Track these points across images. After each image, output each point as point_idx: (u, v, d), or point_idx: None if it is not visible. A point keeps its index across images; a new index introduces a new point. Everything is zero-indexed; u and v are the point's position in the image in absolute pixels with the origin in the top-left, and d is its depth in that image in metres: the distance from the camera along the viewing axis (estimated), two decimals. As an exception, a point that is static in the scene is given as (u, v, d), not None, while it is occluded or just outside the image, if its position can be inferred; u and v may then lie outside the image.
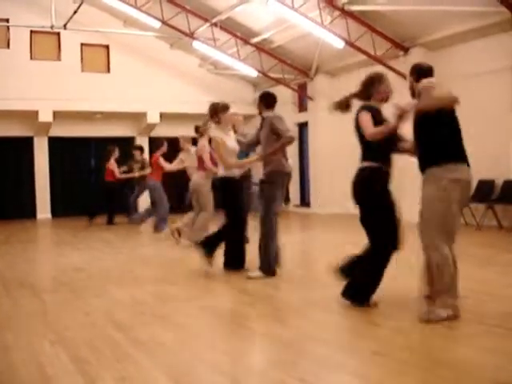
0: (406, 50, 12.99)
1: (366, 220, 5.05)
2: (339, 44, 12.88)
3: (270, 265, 6.73)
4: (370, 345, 4.09)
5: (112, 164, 14.34)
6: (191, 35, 15.17)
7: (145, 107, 17.23)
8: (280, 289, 6.24)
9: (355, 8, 11.95)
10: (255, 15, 14.06)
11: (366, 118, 4.94)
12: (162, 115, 17.50)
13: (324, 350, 4.04)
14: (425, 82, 4.80)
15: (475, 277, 6.31)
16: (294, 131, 6.57)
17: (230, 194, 7.11)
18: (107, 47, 17.45)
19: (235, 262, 7.21)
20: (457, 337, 4.22)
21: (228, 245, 7.23)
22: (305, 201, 17.32)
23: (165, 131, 17.62)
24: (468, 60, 11.91)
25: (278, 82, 16.55)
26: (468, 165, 4.68)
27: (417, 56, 12.72)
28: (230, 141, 7.16)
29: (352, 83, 16.70)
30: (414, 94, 4.91)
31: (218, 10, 14.15)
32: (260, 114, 7.05)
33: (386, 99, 5.19)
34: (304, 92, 16.80)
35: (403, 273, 6.86)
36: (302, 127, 17.34)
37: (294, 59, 15.83)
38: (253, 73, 16.34)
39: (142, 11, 14.60)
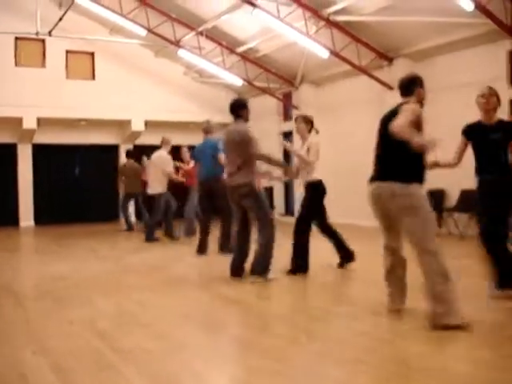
0: (390, 60, 13.09)
1: None
2: (324, 54, 12.95)
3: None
4: (355, 354, 4.10)
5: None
6: (177, 43, 15.17)
7: (129, 115, 17.19)
8: (265, 296, 6.25)
9: (340, 18, 12.02)
10: (241, 24, 14.11)
11: None
12: (146, 123, 17.47)
13: (308, 358, 4.05)
14: None
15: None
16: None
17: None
18: (92, 54, 17.40)
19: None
20: (438, 345, 4.25)
21: None
22: (289, 210, 17.34)
23: (149, 139, 17.58)
24: (452, 71, 12.03)
25: (263, 91, 16.60)
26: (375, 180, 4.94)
27: (401, 66, 12.85)
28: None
29: (337, 93, 16.95)
30: None
31: (204, 18, 14.17)
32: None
33: None
34: (289, 101, 16.85)
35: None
36: (287, 136, 17.38)
37: (279, 68, 15.88)
38: (238, 82, 16.37)
39: (127, 19, 14.59)
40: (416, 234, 4.71)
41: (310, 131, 7.69)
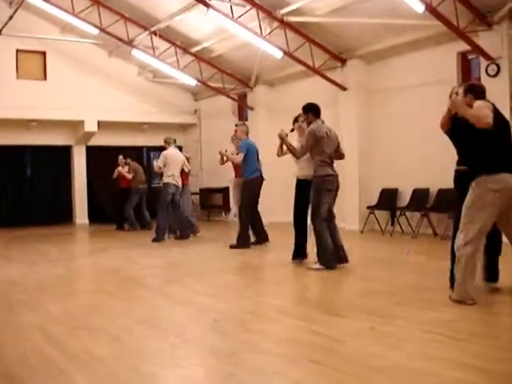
0: (343, 61, 13.20)
1: None
2: (278, 54, 12.97)
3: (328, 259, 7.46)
4: (309, 354, 4.11)
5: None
6: (130, 43, 15.02)
7: (82, 115, 16.89)
8: (218, 298, 6.22)
9: (294, 19, 12.06)
10: (195, 24, 14.03)
11: None
12: (99, 124, 17.20)
13: (263, 359, 4.04)
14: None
15: (410, 283, 6.45)
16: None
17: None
18: (44, 54, 17.04)
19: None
20: (394, 344, 4.28)
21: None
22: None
23: (103, 140, 17.41)
24: (404, 72, 12.20)
25: (218, 91, 16.55)
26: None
27: (354, 68, 13.00)
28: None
29: (291, 93, 17.02)
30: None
31: (158, 18, 14.06)
32: (309, 124, 7.76)
33: None
34: (244, 102, 16.84)
35: (349, 282, 6.97)
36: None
37: (233, 69, 15.85)
38: (192, 82, 16.29)
39: (79, 18, 14.37)
40: None
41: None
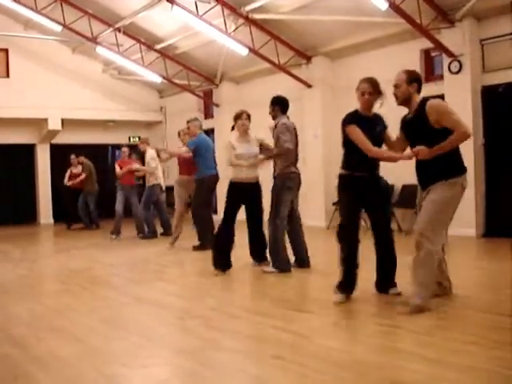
0: (308, 58, 13.25)
1: None
2: (243, 51, 12.97)
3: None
4: (273, 350, 4.13)
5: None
6: (94, 40, 14.86)
7: (46, 113, 16.64)
8: (181, 297, 6.21)
9: (259, 16, 12.07)
10: (160, 21, 13.94)
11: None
12: (64, 121, 16.98)
13: (227, 357, 4.05)
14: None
15: (371, 278, 6.51)
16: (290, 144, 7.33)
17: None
18: (6, 51, 16.76)
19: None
20: (355, 338, 4.35)
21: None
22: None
23: (67, 138, 17.19)
24: (368, 69, 12.23)
25: (184, 88, 16.48)
26: None
27: (319, 65, 13.06)
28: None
29: (256, 90, 16.98)
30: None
31: (122, 15, 13.93)
32: (274, 118, 7.53)
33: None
34: (210, 99, 16.80)
35: (313, 277, 7.02)
36: (208, 134, 17.30)
37: (199, 66, 15.80)
38: (157, 79, 16.18)
39: (42, 14, 14.18)
40: None
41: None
